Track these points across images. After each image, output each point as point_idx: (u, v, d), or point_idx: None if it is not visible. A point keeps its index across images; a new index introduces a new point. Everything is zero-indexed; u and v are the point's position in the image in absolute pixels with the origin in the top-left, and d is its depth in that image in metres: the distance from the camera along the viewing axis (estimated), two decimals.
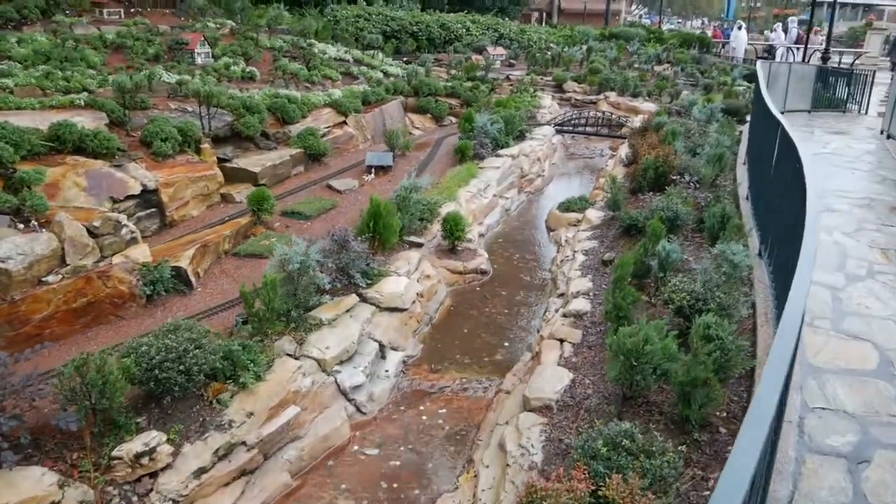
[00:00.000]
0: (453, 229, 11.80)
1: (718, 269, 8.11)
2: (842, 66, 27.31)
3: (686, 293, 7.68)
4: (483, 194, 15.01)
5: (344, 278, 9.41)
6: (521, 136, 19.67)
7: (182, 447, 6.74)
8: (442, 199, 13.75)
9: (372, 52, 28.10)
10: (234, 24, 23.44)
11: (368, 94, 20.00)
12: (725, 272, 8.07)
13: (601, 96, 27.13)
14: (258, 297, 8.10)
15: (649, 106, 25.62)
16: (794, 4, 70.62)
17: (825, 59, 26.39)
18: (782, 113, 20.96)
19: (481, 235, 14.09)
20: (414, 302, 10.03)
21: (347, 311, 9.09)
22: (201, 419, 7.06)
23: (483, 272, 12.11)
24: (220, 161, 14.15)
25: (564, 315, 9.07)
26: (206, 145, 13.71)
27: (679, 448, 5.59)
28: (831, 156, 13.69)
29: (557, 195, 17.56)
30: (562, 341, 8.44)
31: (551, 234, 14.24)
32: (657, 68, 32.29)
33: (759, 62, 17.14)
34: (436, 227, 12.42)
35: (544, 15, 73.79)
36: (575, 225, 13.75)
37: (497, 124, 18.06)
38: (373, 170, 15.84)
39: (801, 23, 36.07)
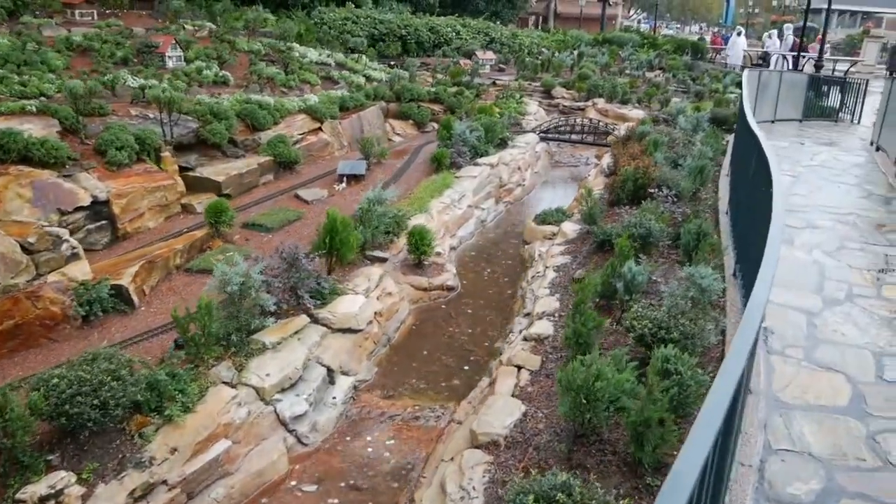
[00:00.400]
0: (419, 244, 11.28)
1: (686, 294, 7.59)
2: (836, 74, 26.87)
3: (648, 320, 7.16)
4: (457, 205, 14.49)
5: (293, 299, 8.88)
6: (502, 144, 19.16)
7: (95, 488, 6.21)
8: (412, 211, 13.25)
9: (356, 55, 27.62)
10: (213, 26, 22.97)
11: (346, 99, 19.50)
12: (693, 297, 7.56)
13: (589, 103, 26.63)
14: (193, 321, 7.57)
15: (638, 113, 25.13)
16: (792, 11, 70.26)
17: (818, 67, 25.96)
18: (772, 122, 20.59)
19: (453, 248, 13.58)
20: (370, 322, 9.51)
21: (295, 333, 8.57)
22: (120, 456, 6.52)
23: (450, 288, 11.59)
24: (183, 170, 13.64)
25: (525, 339, 8.55)
26: (166, 153, 13.19)
27: (622, 502, 5.07)
28: (819, 168, 13.24)
29: (538, 205, 17.05)
30: (519, 368, 7.92)
31: (526, 247, 13.72)
32: (649, 74, 31.81)
33: (745, 71, 16.66)
34: (403, 241, 11.91)
35: (540, 19, 73.51)
36: (550, 238, 13.23)
37: (476, 132, 17.55)
38: (344, 179, 15.33)
39: (797, 30, 35.68)
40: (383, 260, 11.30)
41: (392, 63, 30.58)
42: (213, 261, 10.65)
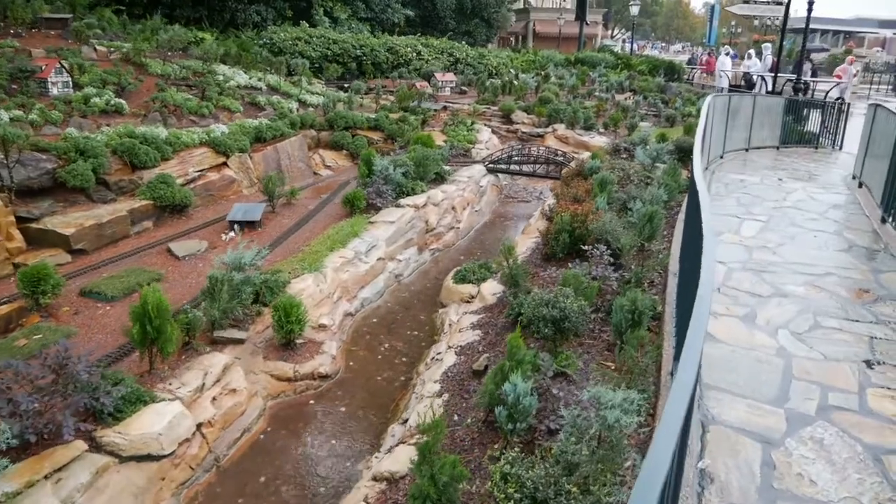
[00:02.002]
0: (285, 320, 8.88)
1: (585, 434, 5.23)
2: (817, 95, 24.87)
3: (520, 486, 4.77)
4: (363, 259, 12.12)
5: (64, 419, 6.42)
6: (439, 179, 16.86)
7: None
8: (301, 270, 10.87)
9: (296, 78, 25.37)
10: (131, 47, 20.57)
11: (263, 128, 17.16)
12: (598, 435, 5.20)
13: (549, 129, 24.43)
14: None
15: (601, 140, 22.97)
16: (774, 31, 68.91)
17: (797, 89, 23.91)
18: (746, 150, 18.46)
19: (349, 315, 11.16)
20: (187, 440, 7.06)
21: (57, 470, 6.11)
22: None
23: (324, 376, 9.15)
24: (24, 221, 11.21)
25: (375, 477, 6.12)
26: None
27: None
28: (793, 210, 11.12)
29: (472, 252, 14.72)
30: None
31: (441, 311, 11.34)
32: (619, 97, 29.72)
33: (707, 97, 14.46)
34: (270, 315, 9.48)
35: (520, 38, 72.03)
36: (469, 301, 10.86)
37: (402, 167, 15.25)
38: (235, 226, 12.95)
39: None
40: (240, 341, 8.87)
41: (345, 86, 28.44)
42: (13, 347, 8.26)
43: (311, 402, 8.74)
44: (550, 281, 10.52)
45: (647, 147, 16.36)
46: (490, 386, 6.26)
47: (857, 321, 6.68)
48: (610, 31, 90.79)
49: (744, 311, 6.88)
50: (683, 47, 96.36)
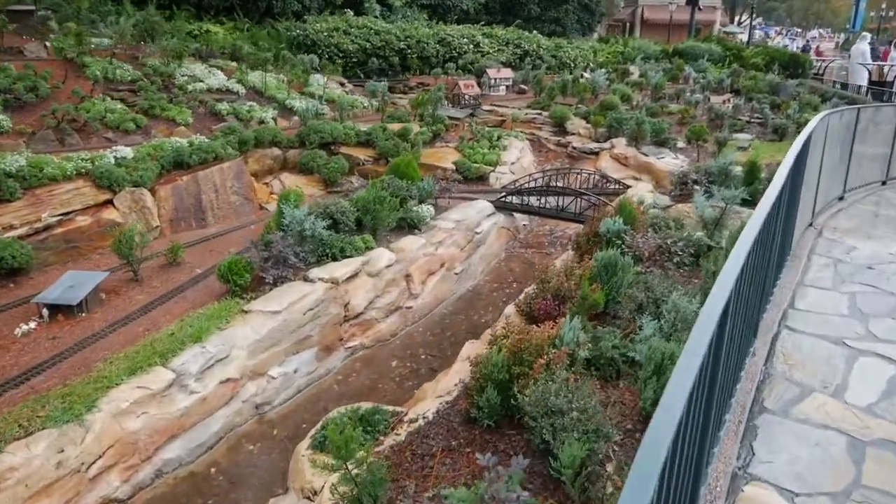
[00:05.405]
0: None
1: None
2: None
3: None
4: (189, 386, 7.53)
5: None
6: (407, 227, 11.99)
7: None
8: (41, 421, 6.48)
9: (305, 76, 21.14)
10: (73, 42, 16.82)
11: (185, 151, 12.91)
12: None
13: (607, 144, 18.73)
14: None
15: (673, 162, 17.10)
16: None
17: None
18: (883, 183, 12.48)
19: (125, 500, 6.62)
20: None
21: None
22: None
23: None
24: None
25: None
26: None
27: None
28: None
29: (425, 346, 9.83)
30: None
31: (274, 501, 6.58)
32: (715, 99, 23.30)
33: (816, 117, 8.64)
34: None
35: (628, 26, 65.25)
36: (311, 501, 6.04)
37: (327, 219, 10.54)
38: (45, 311, 8.78)
39: None
40: None
41: (385, 84, 24.08)
42: None
43: None
44: (454, 474, 5.73)
45: (716, 195, 10.62)
46: None
47: None
48: (737, 17, 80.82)
49: None
50: (820, 34, 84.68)
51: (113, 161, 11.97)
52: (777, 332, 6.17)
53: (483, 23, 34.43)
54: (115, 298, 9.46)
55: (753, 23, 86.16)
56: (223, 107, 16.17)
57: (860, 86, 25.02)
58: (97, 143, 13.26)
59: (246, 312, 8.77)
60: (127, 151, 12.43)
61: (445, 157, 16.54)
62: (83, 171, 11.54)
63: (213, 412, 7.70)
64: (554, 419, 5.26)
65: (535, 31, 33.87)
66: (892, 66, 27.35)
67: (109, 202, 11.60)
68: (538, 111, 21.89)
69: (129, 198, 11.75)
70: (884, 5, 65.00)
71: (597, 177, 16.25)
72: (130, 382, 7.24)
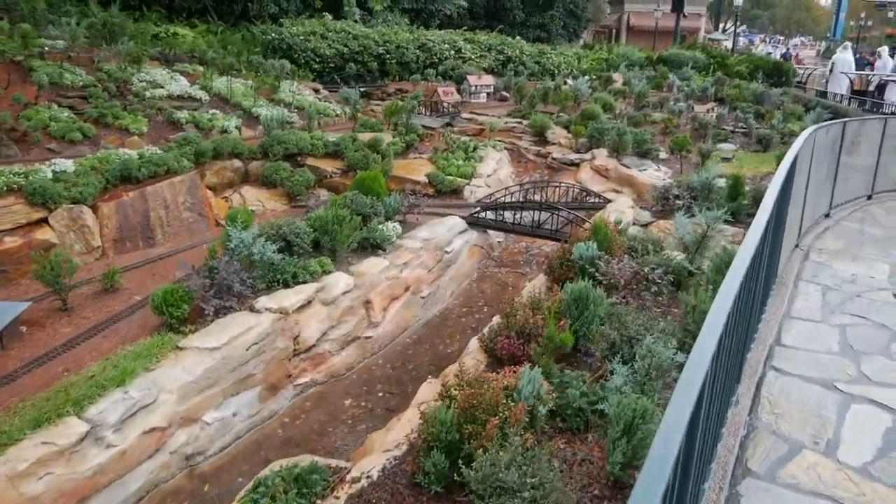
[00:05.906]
0: None
1: None
2: None
3: None
4: (104, 438, 6.64)
5: None
6: (371, 247, 11.16)
7: None
8: None
9: (276, 81, 20.23)
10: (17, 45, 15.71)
11: (133, 164, 12.01)
12: None
13: (588, 155, 17.97)
14: None
15: (655, 175, 16.38)
16: None
17: None
18: (869, 198, 11.97)
19: None
20: None
21: None
22: None
23: None
24: None
25: None
26: None
27: None
28: None
29: (383, 381, 9.00)
30: None
31: None
32: (699, 108, 22.65)
33: (803, 134, 7.94)
34: None
35: (614, 33, 65.03)
36: None
37: (278, 241, 9.69)
38: None
39: None
40: None
41: (363, 90, 23.28)
42: None
43: None
44: None
45: (696, 217, 9.90)
46: None
47: None
48: (722, 25, 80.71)
49: None
50: (801, 42, 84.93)
51: (50, 175, 11.06)
52: (762, 375, 5.46)
53: (466, 28, 33.69)
54: (39, 331, 8.54)
55: (738, 30, 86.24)
56: (183, 115, 15.25)
57: (841, 95, 24.56)
58: (37, 155, 12.31)
59: (180, 349, 7.88)
60: (67, 164, 11.51)
61: (418, 168, 15.71)
62: (14, 186, 10.62)
63: (133, 467, 6.80)
64: (504, 499, 4.45)
65: (519, 37, 33.15)
66: (873, 75, 26.89)
67: (44, 220, 10.68)
68: (518, 120, 21.13)
69: (67, 216, 10.82)
70: (863, 14, 65.17)
71: (576, 190, 15.53)
72: (34, 437, 6.34)
